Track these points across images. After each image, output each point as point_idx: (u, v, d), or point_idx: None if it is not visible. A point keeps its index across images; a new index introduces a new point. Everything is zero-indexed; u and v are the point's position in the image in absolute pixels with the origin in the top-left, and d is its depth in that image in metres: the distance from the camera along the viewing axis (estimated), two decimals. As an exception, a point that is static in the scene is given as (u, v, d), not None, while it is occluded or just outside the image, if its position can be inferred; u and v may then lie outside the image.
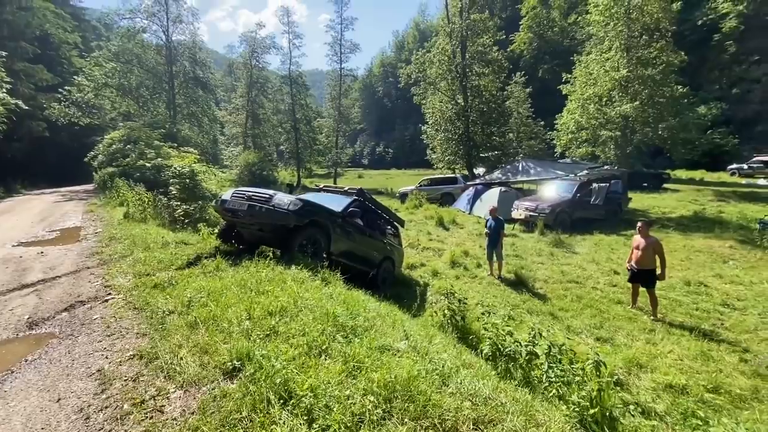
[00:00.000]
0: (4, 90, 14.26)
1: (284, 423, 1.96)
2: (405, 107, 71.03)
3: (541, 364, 3.35)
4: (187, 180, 13.06)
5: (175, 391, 2.42)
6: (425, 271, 9.31)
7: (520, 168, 18.54)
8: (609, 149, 24.70)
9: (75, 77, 26.51)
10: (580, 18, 39.55)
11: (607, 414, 2.49)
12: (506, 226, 13.76)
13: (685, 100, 26.25)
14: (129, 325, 3.50)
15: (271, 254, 5.39)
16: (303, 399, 2.11)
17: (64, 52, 32.09)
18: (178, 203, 11.67)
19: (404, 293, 7.61)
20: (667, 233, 12.08)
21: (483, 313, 5.07)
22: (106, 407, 2.33)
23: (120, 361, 2.86)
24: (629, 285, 7.04)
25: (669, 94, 23.19)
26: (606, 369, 2.94)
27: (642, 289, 6.81)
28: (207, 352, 2.78)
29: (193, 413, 2.17)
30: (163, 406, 2.29)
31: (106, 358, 2.95)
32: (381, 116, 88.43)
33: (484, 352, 4.01)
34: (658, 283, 7.78)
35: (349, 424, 1.94)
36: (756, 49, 41.12)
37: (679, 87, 23.86)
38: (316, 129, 42.85)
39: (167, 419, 2.15)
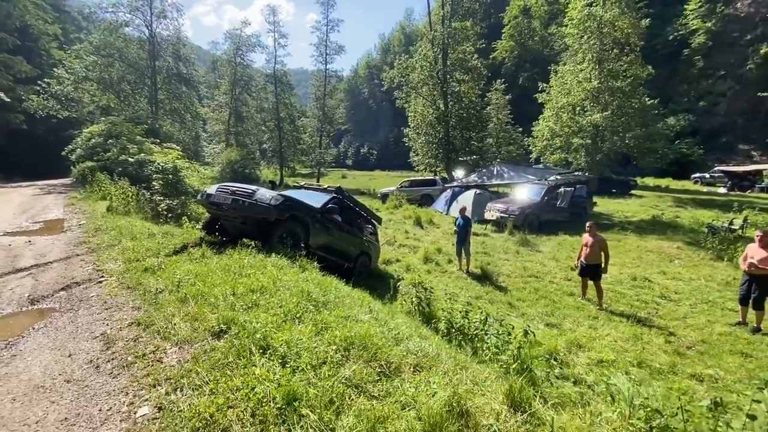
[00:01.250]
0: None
1: (263, 365, 2.48)
2: (390, 109, 71.71)
3: (482, 332, 3.97)
4: (170, 176, 13.28)
5: (171, 348, 2.91)
6: (400, 266, 9.89)
7: (495, 172, 19.42)
8: (580, 156, 25.92)
9: (54, 69, 26.07)
10: (559, 29, 40.98)
11: (526, 367, 3.09)
12: (479, 226, 14.59)
13: (656, 112, 27.79)
14: (124, 301, 3.94)
15: (253, 244, 5.86)
16: (278, 349, 2.64)
17: (43, 44, 31.48)
18: (161, 198, 11.90)
19: (378, 285, 8.14)
20: (625, 235, 13.04)
21: (447, 299, 5.69)
22: (113, 359, 2.81)
23: (120, 328, 3.32)
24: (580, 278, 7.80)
25: (637, 105, 24.59)
26: (533, 336, 3.55)
27: (591, 283, 7.56)
28: (197, 320, 3.27)
29: (187, 361, 2.66)
30: (161, 357, 2.78)
31: (107, 325, 3.40)
32: (366, 118, 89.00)
33: (441, 329, 4.61)
34: (609, 278, 8.62)
35: (314, 365, 2.48)
36: (722, 64, 43.56)
37: (647, 99, 25.29)
38: (300, 128, 43.08)
39: (166, 366, 2.64)
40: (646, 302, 7.46)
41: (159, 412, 2.16)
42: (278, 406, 2.06)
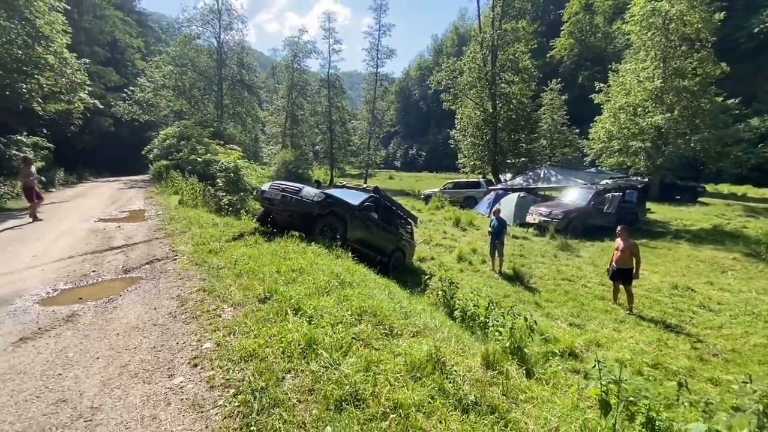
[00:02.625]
0: (87, 92, 16.69)
1: (294, 321, 3.17)
2: (440, 111, 71.06)
3: (485, 317, 4.39)
4: (232, 174, 14.79)
5: (227, 308, 3.71)
6: (434, 263, 10.34)
7: (542, 175, 19.09)
8: (639, 160, 24.46)
9: (138, 78, 29.58)
10: (622, 25, 38.75)
11: (516, 346, 3.49)
12: (521, 229, 14.57)
13: (736, 112, 25.33)
14: (193, 274, 4.87)
15: (296, 235, 6.68)
16: (307, 311, 3.32)
17: (128, 56, 35.58)
18: (224, 194, 13.37)
19: (411, 280, 8.67)
20: (678, 243, 12.40)
21: (470, 292, 6.11)
22: (186, 312, 3.66)
23: (190, 292, 4.21)
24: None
25: (708, 105, 22.71)
26: (534, 323, 3.92)
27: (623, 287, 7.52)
28: (248, 289, 4.06)
29: (239, 317, 3.43)
30: (220, 313, 3.58)
31: (181, 290, 4.31)
32: (416, 119, 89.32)
33: (456, 316, 5.07)
34: (647, 285, 8.48)
35: (332, 323, 3.12)
36: (818, 58, 38.52)
37: (721, 98, 23.25)
38: (350, 130, 44.62)
39: (223, 319, 3.43)
40: (681, 310, 7.28)
41: (217, 346, 2.91)
42: (301, 347, 2.72)
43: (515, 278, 9.13)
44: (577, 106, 42.19)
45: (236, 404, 2.20)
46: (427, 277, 8.65)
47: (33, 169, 9.56)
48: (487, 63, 24.90)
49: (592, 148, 27.02)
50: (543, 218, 14.25)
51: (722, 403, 4.00)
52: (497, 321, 4.00)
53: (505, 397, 2.34)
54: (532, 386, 2.64)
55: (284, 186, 7.19)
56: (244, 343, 2.87)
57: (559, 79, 44.56)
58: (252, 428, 2.00)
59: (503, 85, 25.26)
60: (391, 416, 2.03)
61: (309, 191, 6.92)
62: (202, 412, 2.19)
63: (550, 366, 3.90)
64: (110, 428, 2.10)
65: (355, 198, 8.13)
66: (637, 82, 23.82)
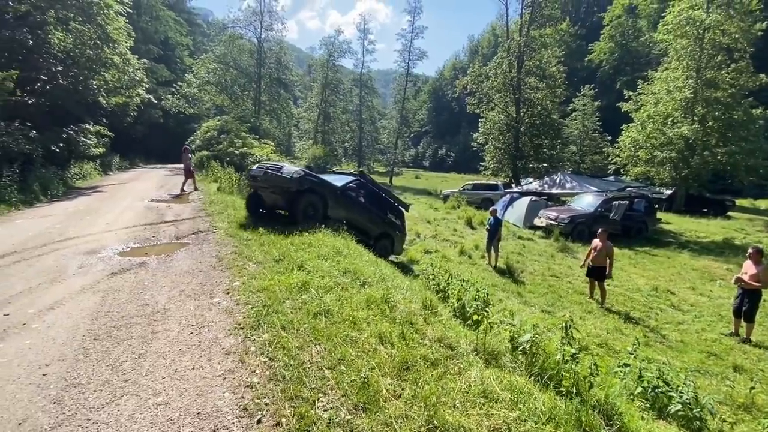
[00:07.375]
0: (144, 88, 18.87)
1: (296, 273, 4.43)
2: (472, 112, 71.44)
3: (447, 287, 5.50)
4: (264, 166, 16.38)
5: (251, 264, 5.03)
6: (437, 256, 11.39)
7: (558, 181, 19.60)
8: (664, 170, 24.22)
9: (186, 74, 32.13)
10: (656, 35, 37.78)
11: (461, 304, 4.58)
12: (528, 231, 15.32)
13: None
14: (228, 242, 6.26)
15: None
16: (308, 268, 4.58)
17: (178, 53, 38.46)
18: (256, 183, 14.94)
19: (413, 268, 9.82)
20: (679, 253, 12.84)
21: (450, 277, 7.19)
22: (222, 265, 5.01)
23: (226, 253, 5.58)
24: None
25: (745, 118, 22.19)
26: (486, 294, 4.97)
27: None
28: (267, 253, 5.38)
29: (259, 269, 4.73)
30: (246, 267, 4.90)
31: (219, 252, 5.69)
32: (448, 119, 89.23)
33: (431, 287, 6.20)
34: (630, 285, 9.22)
35: (323, 276, 4.35)
36: None
37: (756, 110, 22.62)
38: (379, 129, 45.98)
39: (249, 271, 4.75)
40: (650, 308, 8.02)
41: (243, 285, 4.22)
42: (299, 286, 3.98)
43: (507, 272, 10.06)
44: (612, 113, 41.38)
45: (252, 311, 3.48)
46: (428, 266, 9.75)
47: (190, 155, 13.17)
48: (513, 68, 25.40)
49: (619, 157, 26.86)
50: (550, 222, 14.94)
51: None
52: (453, 289, 5.12)
53: (423, 320, 3.48)
54: (454, 323, 3.76)
55: (268, 165, 7.98)
56: (261, 283, 4.16)
57: (593, 85, 43.94)
58: (260, 321, 3.27)
59: (528, 90, 25.67)
60: (346, 322, 3.23)
61: (289, 169, 7.59)
62: (230, 314, 3.49)
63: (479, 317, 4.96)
64: (177, 318, 3.44)
65: (339, 180, 8.65)
66: (666, 92, 23.63)
